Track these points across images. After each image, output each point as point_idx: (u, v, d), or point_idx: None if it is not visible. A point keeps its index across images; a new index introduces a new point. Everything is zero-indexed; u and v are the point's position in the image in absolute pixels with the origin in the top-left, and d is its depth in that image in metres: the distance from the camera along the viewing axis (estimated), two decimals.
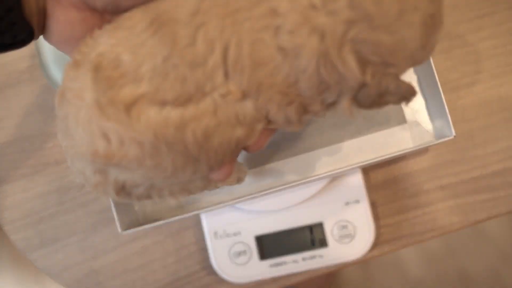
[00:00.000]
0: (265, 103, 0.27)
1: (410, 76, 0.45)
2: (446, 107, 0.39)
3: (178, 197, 0.33)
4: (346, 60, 0.25)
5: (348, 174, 0.46)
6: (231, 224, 0.48)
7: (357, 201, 0.47)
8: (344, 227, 0.47)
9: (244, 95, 0.27)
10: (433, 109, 0.43)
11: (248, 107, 0.28)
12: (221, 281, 0.50)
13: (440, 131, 0.42)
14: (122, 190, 0.30)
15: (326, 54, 0.25)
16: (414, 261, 1.24)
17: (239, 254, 0.48)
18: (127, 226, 0.44)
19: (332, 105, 0.29)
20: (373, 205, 0.48)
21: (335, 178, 0.46)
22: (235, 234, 0.48)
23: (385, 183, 0.49)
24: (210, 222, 0.48)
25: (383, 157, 0.39)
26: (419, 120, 0.44)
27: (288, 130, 0.31)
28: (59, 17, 0.28)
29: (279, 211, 0.47)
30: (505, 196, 0.47)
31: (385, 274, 1.25)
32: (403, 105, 0.45)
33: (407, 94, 0.28)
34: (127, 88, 0.26)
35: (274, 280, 0.49)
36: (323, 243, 0.47)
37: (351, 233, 0.47)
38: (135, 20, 0.27)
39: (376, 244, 0.48)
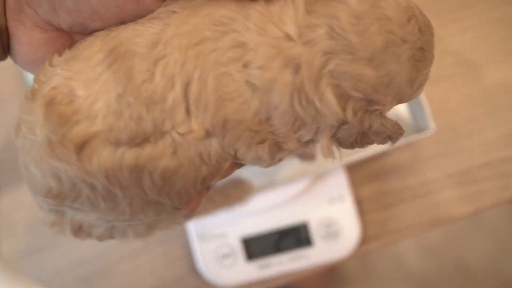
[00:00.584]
0: (233, 141, 0.25)
1: None
2: (425, 100, 0.38)
3: (145, 237, 0.31)
4: (324, 95, 0.23)
5: (330, 172, 0.46)
6: (217, 226, 0.48)
7: (341, 198, 0.46)
8: (329, 225, 0.46)
9: (208, 134, 0.24)
10: (413, 104, 0.42)
11: (213, 146, 0.25)
12: (208, 284, 0.50)
13: (420, 126, 0.42)
14: (80, 230, 0.28)
15: (301, 88, 0.23)
16: (413, 253, 1.23)
17: (225, 256, 0.47)
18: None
19: (309, 142, 0.26)
20: (359, 202, 0.48)
21: (318, 177, 0.46)
22: (220, 236, 0.48)
23: (370, 179, 0.48)
24: (196, 224, 0.48)
25: (363, 155, 0.39)
26: (400, 115, 0.44)
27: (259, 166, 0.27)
28: (22, 38, 0.26)
29: (264, 211, 0.47)
30: (492, 189, 0.47)
31: (384, 267, 1.24)
32: None
33: (393, 134, 0.26)
34: (80, 126, 0.23)
35: (262, 281, 0.49)
36: (308, 242, 0.47)
37: (337, 231, 0.46)
38: (93, 50, 0.25)
39: (363, 241, 0.48)
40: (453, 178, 0.47)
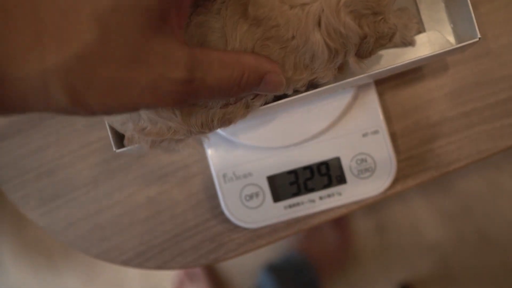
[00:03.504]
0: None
1: None
2: (470, 5, 0.35)
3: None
4: (346, 22, 0.30)
5: (363, 101, 0.43)
6: (241, 165, 0.44)
7: (376, 132, 0.43)
8: (363, 160, 0.43)
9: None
10: (455, 11, 0.39)
11: (269, 99, 0.36)
12: (233, 228, 0.47)
13: (463, 37, 0.38)
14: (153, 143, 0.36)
15: (328, 26, 0.30)
16: (431, 224, 1.20)
17: (251, 196, 0.44)
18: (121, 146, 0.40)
19: (340, 68, 0.35)
20: (393, 137, 0.45)
21: (349, 108, 0.43)
22: (245, 176, 0.45)
23: (405, 112, 0.45)
24: (218, 164, 0.45)
25: (397, 65, 0.35)
26: (439, 29, 0.40)
27: None
28: None
29: (291, 147, 0.44)
30: None
31: (402, 239, 1.21)
32: (422, 14, 0.41)
33: (393, 33, 0.33)
34: None
35: (290, 224, 0.46)
36: (341, 179, 0.44)
37: (371, 166, 0.43)
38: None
39: (398, 179, 0.45)
40: (495, 108, 0.44)
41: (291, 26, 0.30)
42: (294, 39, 0.31)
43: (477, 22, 0.35)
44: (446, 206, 1.20)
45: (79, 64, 0.20)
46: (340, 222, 1.18)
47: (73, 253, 1.29)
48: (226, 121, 0.34)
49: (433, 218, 1.20)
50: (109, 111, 0.23)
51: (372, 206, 1.21)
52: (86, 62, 0.20)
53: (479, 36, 0.35)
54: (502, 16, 0.44)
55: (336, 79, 0.37)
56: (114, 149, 0.38)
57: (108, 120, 0.36)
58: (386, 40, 0.33)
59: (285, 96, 0.37)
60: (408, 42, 0.39)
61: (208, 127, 0.34)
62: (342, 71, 0.36)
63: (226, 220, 0.46)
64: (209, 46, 0.30)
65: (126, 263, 0.48)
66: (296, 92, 0.36)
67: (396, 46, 0.39)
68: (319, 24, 0.30)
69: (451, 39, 0.40)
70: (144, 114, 0.33)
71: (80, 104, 0.22)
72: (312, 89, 0.37)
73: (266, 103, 0.36)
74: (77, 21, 0.20)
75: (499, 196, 1.19)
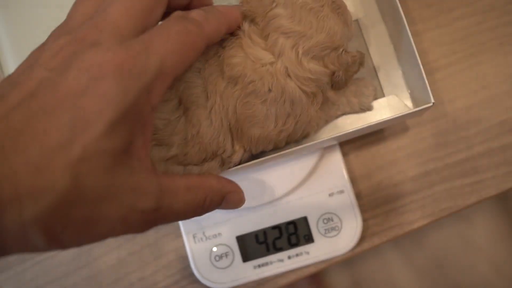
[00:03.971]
0: (264, 146, 0.37)
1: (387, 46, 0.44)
2: (423, 73, 0.38)
3: None
4: (311, 68, 0.34)
5: (329, 162, 0.44)
6: (211, 225, 0.45)
7: (341, 191, 0.44)
8: (330, 219, 0.44)
9: (245, 150, 0.37)
10: (410, 78, 0.41)
11: (245, 156, 0.37)
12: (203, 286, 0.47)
13: (419, 101, 0.41)
14: None
15: (297, 76, 0.34)
16: (406, 279, 1.20)
17: (221, 257, 0.45)
18: None
19: (323, 103, 0.37)
20: (359, 196, 0.46)
21: (316, 168, 0.44)
22: (215, 236, 0.45)
23: (369, 172, 0.47)
24: (188, 224, 0.45)
25: (360, 127, 0.37)
26: (398, 94, 0.43)
27: None
28: None
29: (260, 207, 0.45)
30: (492, 177, 0.46)
31: None
32: (381, 81, 0.43)
33: (360, 59, 0.37)
34: (161, 149, 0.33)
35: (259, 284, 0.46)
36: (308, 238, 0.44)
37: (337, 225, 0.44)
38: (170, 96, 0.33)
39: (364, 237, 0.46)
40: (455, 168, 0.46)
41: (266, 81, 0.33)
42: (272, 92, 0.34)
43: (433, 87, 0.38)
44: (420, 260, 1.21)
45: (55, 210, 0.22)
46: (315, 279, 1.18)
47: None
48: None
49: (408, 272, 1.21)
50: (82, 244, 0.24)
51: (347, 262, 1.21)
52: (61, 207, 0.22)
53: (433, 101, 0.37)
54: (456, 82, 0.47)
55: (302, 142, 0.39)
56: None
57: None
58: (355, 67, 0.37)
59: (258, 156, 0.38)
60: (366, 108, 0.41)
61: None
62: (324, 107, 0.40)
63: (197, 281, 0.46)
64: (191, 100, 0.34)
65: None
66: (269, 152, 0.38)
67: (356, 112, 0.42)
68: (289, 75, 0.34)
69: (409, 103, 0.42)
70: None
71: (56, 243, 0.23)
72: (281, 151, 0.38)
73: (240, 161, 0.37)
74: (50, 172, 0.21)
75: (470, 250, 1.21)
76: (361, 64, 0.37)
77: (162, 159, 0.33)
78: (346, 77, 0.36)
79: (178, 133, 0.33)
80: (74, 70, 0.23)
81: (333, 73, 0.35)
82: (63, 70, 0.23)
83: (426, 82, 0.38)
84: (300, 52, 0.33)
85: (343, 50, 0.35)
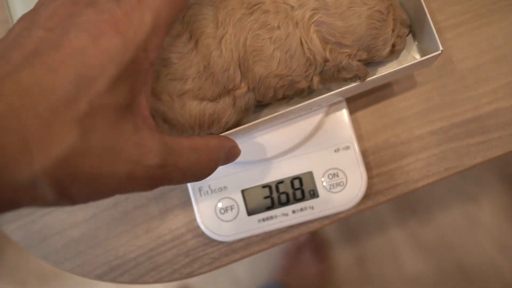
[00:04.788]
0: (264, 90, 0.36)
1: None
2: (430, 20, 0.37)
3: None
4: (312, 38, 0.34)
5: (335, 118, 0.44)
6: (216, 178, 0.45)
7: (347, 147, 0.45)
8: (335, 175, 0.45)
9: (249, 89, 0.36)
10: (418, 29, 0.41)
11: (250, 98, 0.37)
12: (208, 242, 0.47)
13: (427, 52, 0.40)
14: None
15: (302, 33, 0.34)
16: (411, 256, 1.21)
17: (226, 210, 0.45)
18: None
19: (312, 79, 0.37)
20: (364, 154, 0.46)
21: (322, 124, 0.44)
22: (220, 190, 0.45)
23: (375, 131, 0.47)
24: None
25: (368, 79, 0.37)
26: (405, 48, 0.42)
27: None
28: None
29: (266, 161, 0.45)
30: (498, 138, 0.46)
31: (382, 269, 1.22)
32: None
33: (359, 73, 0.36)
34: (176, 83, 0.33)
35: (263, 238, 0.47)
36: (313, 193, 0.45)
37: (343, 181, 0.45)
38: (177, 30, 0.34)
39: (369, 195, 0.46)
40: (461, 128, 0.46)
41: (278, 16, 0.33)
42: (279, 30, 0.34)
43: (442, 46, 0.37)
44: (425, 238, 1.21)
45: (64, 163, 0.22)
46: (320, 254, 1.19)
47: (47, 282, 1.27)
48: (215, 120, 0.36)
49: (413, 250, 1.21)
50: (90, 200, 0.25)
51: (352, 238, 1.22)
52: (70, 160, 0.22)
53: (441, 48, 0.37)
54: (465, 41, 0.47)
55: (308, 97, 0.39)
56: None
57: None
58: (349, 75, 0.36)
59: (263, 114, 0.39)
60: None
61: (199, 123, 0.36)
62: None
63: (201, 234, 0.47)
64: (201, 31, 0.33)
65: (100, 277, 0.48)
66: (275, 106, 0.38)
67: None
68: (298, 26, 0.34)
69: (417, 55, 0.42)
70: None
71: (66, 197, 0.24)
72: (286, 108, 0.38)
73: (248, 102, 0.38)
74: (59, 127, 0.22)
75: (476, 229, 1.21)
76: (358, 78, 0.37)
77: (178, 93, 0.34)
78: (335, 75, 0.36)
79: (192, 66, 0.33)
80: (74, 30, 0.24)
81: (326, 60, 0.35)
82: (63, 30, 0.24)
83: (433, 29, 0.37)
84: (314, 18, 0.33)
85: (348, 53, 0.35)
